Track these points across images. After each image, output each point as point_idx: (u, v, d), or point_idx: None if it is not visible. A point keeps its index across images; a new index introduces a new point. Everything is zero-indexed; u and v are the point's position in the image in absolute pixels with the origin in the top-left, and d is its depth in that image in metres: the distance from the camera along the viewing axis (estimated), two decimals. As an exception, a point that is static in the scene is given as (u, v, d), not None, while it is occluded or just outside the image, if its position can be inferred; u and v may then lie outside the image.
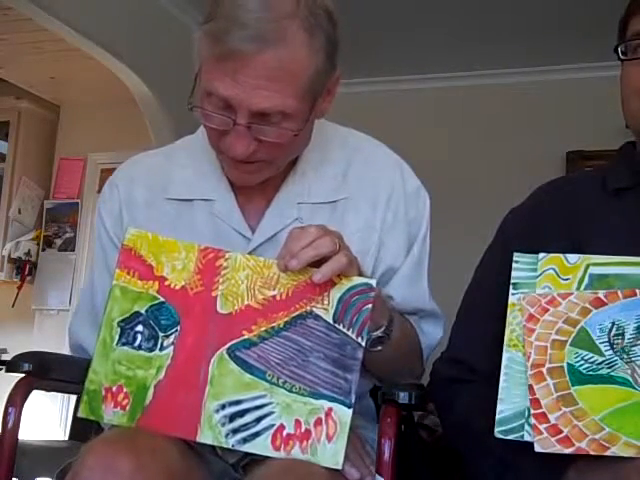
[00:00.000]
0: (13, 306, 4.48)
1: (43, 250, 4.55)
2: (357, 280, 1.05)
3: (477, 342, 1.17)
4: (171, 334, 1.05)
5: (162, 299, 1.06)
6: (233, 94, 1.06)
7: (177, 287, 1.06)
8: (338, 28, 1.12)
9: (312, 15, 1.07)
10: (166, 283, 1.07)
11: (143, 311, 1.06)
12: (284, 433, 1.00)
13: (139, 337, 1.05)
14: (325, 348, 1.03)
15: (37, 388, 1.16)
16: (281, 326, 1.04)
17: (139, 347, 1.05)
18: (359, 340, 1.03)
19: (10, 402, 1.12)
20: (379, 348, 1.14)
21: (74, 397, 3.61)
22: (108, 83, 3.67)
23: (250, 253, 1.17)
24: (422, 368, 1.31)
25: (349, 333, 1.03)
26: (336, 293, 1.04)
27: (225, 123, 1.09)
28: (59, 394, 3.65)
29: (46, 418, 4.17)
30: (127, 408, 1.03)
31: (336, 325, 1.04)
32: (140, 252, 1.08)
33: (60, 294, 4.42)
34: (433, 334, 1.30)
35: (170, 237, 1.09)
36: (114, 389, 1.04)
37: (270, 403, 1.01)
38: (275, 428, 1.01)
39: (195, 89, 1.12)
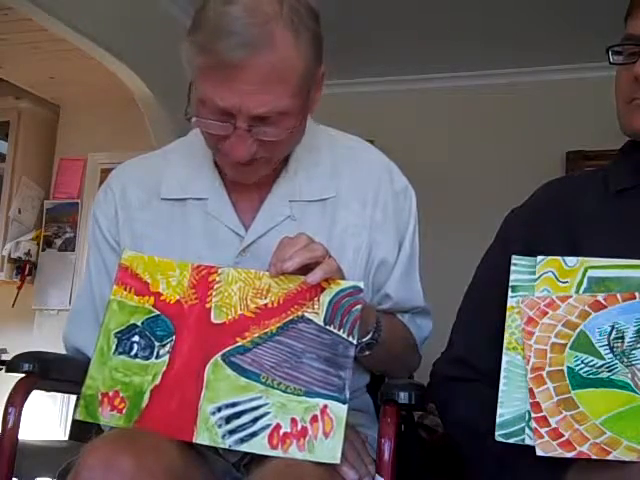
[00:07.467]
0: (13, 306, 4.48)
1: (43, 250, 4.54)
2: (345, 284, 1.07)
3: (478, 341, 1.16)
4: (167, 343, 1.08)
5: (158, 312, 1.10)
6: (230, 103, 1.06)
7: (172, 301, 1.10)
8: (320, 20, 1.12)
9: (295, 14, 1.07)
10: (161, 298, 1.10)
11: (139, 323, 1.09)
12: (281, 432, 1.01)
13: (135, 347, 1.08)
14: (317, 349, 1.05)
15: (37, 388, 1.17)
16: (273, 331, 1.06)
17: (135, 356, 1.08)
18: (350, 339, 1.05)
19: (10, 402, 1.13)
20: (367, 353, 1.16)
21: (74, 397, 3.60)
22: (108, 83, 3.67)
23: (243, 250, 1.20)
24: (419, 357, 1.35)
25: (340, 333, 1.05)
26: (326, 297, 1.07)
27: (225, 129, 1.09)
28: (59, 394, 3.65)
29: (46, 418, 4.16)
30: (124, 411, 1.05)
31: (327, 327, 1.05)
32: (136, 271, 1.12)
33: (60, 294, 4.42)
34: (427, 326, 1.34)
35: (166, 258, 1.13)
36: (111, 394, 1.06)
37: (266, 404, 1.02)
38: (272, 427, 1.01)
39: (191, 97, 1.12)
